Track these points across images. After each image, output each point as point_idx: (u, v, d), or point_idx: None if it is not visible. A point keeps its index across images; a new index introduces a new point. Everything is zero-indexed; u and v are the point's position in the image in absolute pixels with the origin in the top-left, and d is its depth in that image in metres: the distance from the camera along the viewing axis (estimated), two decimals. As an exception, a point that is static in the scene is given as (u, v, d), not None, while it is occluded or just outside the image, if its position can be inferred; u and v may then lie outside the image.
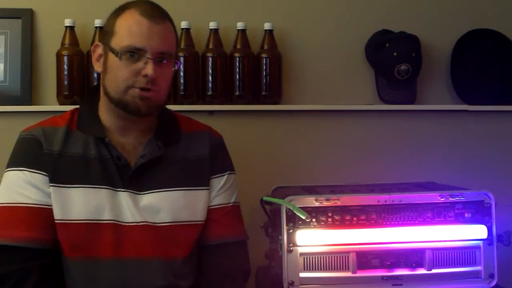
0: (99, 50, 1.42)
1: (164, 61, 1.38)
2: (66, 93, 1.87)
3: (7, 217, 1.37)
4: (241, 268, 1.51)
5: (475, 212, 1.54)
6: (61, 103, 1.88)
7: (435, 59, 2.07)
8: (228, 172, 1.52)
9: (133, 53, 1.34)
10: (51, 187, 1.37)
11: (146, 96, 1.36)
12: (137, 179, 1.41)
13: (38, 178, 1.38)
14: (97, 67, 1.42)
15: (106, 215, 1.38)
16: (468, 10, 2.08)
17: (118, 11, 1.39)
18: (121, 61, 1.35)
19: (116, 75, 1.36)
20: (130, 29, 1.35)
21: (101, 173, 1.39)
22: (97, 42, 1.44)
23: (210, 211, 1.48)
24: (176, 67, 1.42)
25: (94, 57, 1.43)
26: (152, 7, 1.38)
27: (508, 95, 2.04)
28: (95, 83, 1.80)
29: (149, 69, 1.34)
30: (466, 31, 2.06)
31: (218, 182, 1.50)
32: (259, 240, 1.67)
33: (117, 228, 1.38)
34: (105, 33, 1.41)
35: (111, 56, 1.37)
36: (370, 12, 2.05)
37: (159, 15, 1.38)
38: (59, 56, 1.87)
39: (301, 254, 1.51)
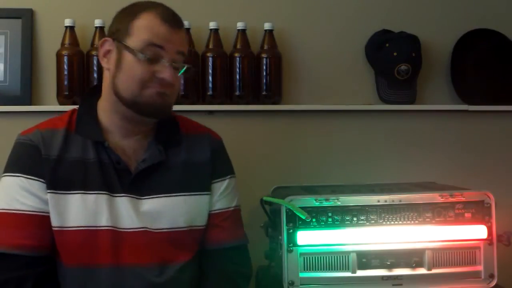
0: (107, 46, 1.38)
1: (179, 68, 1.38)
2: (66, 93, 1.87)
3: (3, 224, 1.35)
4: (243, 272, 1.51)
5: (475, 212, 1.54)
6: (61, 103, 1.88)
7: (435, 59, 2.07)
8: (229, 177, 1.51)
9: (152, 55, 1.33)
10: (48, 194, 1.35)
11: (163, 93, 1.36)
12: (138, 184, 1.39)
13: (35, 184, 1.35)
14: (105, 63, 1.39)
15: (104, 221, 1.36)
16: (468, 10, 2.08)
17: (135, 12, 1.36)
18: (136, 60, 1.33)
19: (132, 75, 1.34)
20: (150, 30, 1.33)
21: (100, 178, 1.37)
22: (106, 37, 1.40)
23: (211, 216, 1.47)
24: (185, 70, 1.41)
25: (101, 52, 1.39)
26: (170, 12, 1.37)
27: (508, 95, 2.04)
28: (95, 83, 1.79)
29: (167, 74, 1.34)
30: (466, 31, 2.06)
31: (219, 186, 1.49)
32: (259, 240, 1.67)
33: (115, 234, 1.36)
34: (116, 30, 1.37)
35: (127, 55, 1.34)
36: (370, 12, 2.05)
37: (178, 20, 1.37)
38: (59, 56, 1.87)
39: (301, 254, 1.51)
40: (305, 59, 2.02)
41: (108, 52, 1.38)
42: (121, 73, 1.35)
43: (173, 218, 1.40)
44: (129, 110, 1.37)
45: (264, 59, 1.93)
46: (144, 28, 1.34)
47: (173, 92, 1.39)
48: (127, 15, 1.37)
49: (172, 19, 1.36)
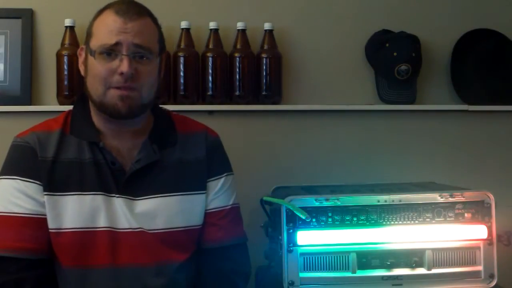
0: (83, 53, 1.40)
1: (144, 58, 1.34)
2: (66, 93, 1.87)
3: (0, 227, 1.35)
4: (241, 271, 1.49)
5: (475, 212, 1.54)
6: (61, 103, 1.88)
7: (435, 59, 2.07)
8: (225, 174, 1.49)
9: (110, 52, 1.32)
10: (45, 196, 1.35)
11: (125, 95, 1.32)
12: (132, 184, 1.38)
13: (32, 187, 1.35)
14: (82, 71, 1.40)
15: (101, 222, 1.35)
16: (468, 10, 2.08)
17: (97, 13, 1.38)
18: (96, 60, 1.32)
19: (94, 76, 1.34)
20: (105, 28, 1.33)
21: (96, 178, 1.36)
22: (82, 45, 1.42)
23: (207, 214, 1.46)
24: (159, 62, 1.39)
25: (80, 61, 1.41)
26: (128, 6, 1.35)
27: (508, 95, 2.04)
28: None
29: (124, 66, 1.30)
30: (466, 31, 2.06)
31: (215, 184, 1.47)
32: (259, 240, 1.67)
33: (112, 234, 1.36)
34: (86, 35, 1.39)
35: (90, 58, 1.34)
36: (370, 12, 2.05)
37: (135, 12, 1.34)
38: (59, 56, 1.87)
39: (301, 254, 1.51)
40: (305, 59, 2.02)
41: (84, 59, 1.39)
42: (89, 76, 1.36)
43: (169, 218, 1.40)
44: (102, 113, 1.37)
45: (264, 59, 1.93)
46: (100, 26, 1.35)
47: (138, 89, 1.33)
48: (92, 18, 1.39)
49: (126, 11, 1.33)
